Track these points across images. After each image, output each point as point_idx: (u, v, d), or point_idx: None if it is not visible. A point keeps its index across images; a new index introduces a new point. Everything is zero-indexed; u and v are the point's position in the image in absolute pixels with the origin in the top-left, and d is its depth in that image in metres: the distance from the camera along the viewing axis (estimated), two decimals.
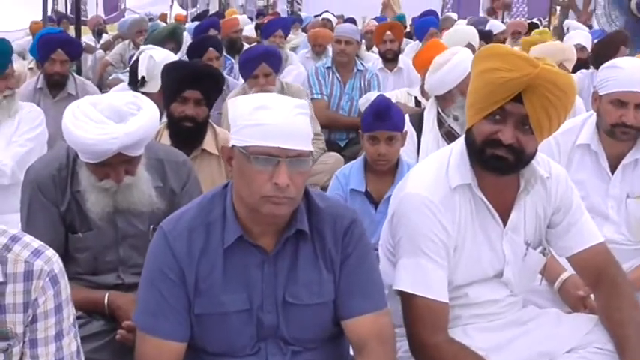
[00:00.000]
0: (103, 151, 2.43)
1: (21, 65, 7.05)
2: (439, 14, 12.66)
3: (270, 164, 1.94)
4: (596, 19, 10.35)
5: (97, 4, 13.57)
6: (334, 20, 11.10)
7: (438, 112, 4.04)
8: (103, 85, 7.21)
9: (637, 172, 3.14)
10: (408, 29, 11.37)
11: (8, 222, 2.70)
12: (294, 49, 9.16)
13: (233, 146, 2.01)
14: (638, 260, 3.11)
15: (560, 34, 10.35)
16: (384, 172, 3.45)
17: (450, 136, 3.88)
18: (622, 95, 3.03)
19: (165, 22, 12.09)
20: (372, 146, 3.40)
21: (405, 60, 6.77)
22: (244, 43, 8.43)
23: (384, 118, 3.37)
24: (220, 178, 3.45)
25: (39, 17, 8.13)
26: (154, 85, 4.05)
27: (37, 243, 1.78)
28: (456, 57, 4.02)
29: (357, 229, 2.13)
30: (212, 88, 3.51)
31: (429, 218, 2.22)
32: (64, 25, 10.88)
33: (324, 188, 4.19)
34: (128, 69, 5.08)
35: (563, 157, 3.14)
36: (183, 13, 16.97)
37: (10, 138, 4.05)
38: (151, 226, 2.65)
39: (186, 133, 3.46)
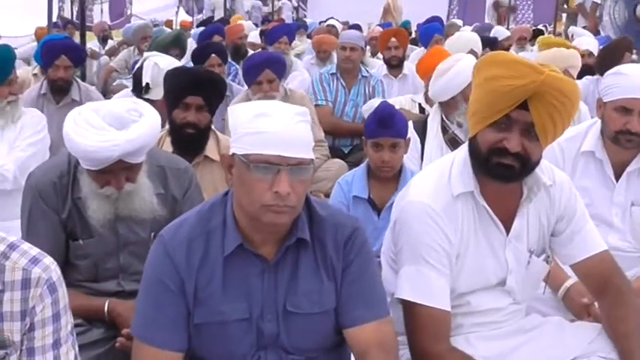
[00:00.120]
0: (104, 158, 2.43)
1: (25, 71, 7.06)
2: (444, 20, 12.64)
3: (271, 172, 1.93)
4: (602, 26, 10.36)
5: (102, 10, 13.61)
6: (339, 26, 11.09)
7: (442, 118, 4.04)
8: (107, 91, 7.20)
9: None
10: (413, 35, 11.38)
11: (10, 228, 2.72)
12: (299, 56, 9.16)
13: (233, 154, 2.00)
14: None
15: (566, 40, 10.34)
16: (387, 179, 3.44)
17: (453, 143, 3.87)
18: (627, 102, 3.01)
19: (171, 29, 12.08)
20: (375, 153, 3.39)
21: (410, 66, 6.74)
22: (249, 50, 8.43)
23: (388, 124, 3.36)
24: (223, 184, 3.42)
25: (44, 23, 8.14)
26: (159, 92, 4.04)
27: (35, 251, 1.77)
28: (459, 63, 4.02)
29: (359, 238, 2.12)
30: (214, 94, 3.50)
31: (431, 226, 2.21)
32: (70, 30, 10.90)
33: (328, 195, 4.17)
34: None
35: (568, 164, 3.12)
36: (189, 19, 17.01)
37: (12, 143, 4.05)
38: (152, 233, 2.63)
39: (189, 140, 3.45)
